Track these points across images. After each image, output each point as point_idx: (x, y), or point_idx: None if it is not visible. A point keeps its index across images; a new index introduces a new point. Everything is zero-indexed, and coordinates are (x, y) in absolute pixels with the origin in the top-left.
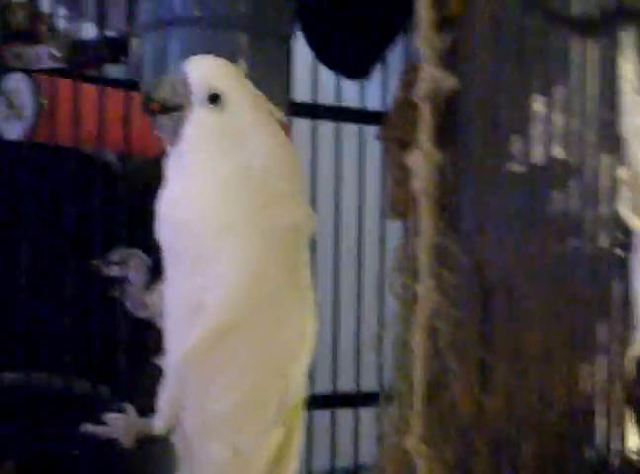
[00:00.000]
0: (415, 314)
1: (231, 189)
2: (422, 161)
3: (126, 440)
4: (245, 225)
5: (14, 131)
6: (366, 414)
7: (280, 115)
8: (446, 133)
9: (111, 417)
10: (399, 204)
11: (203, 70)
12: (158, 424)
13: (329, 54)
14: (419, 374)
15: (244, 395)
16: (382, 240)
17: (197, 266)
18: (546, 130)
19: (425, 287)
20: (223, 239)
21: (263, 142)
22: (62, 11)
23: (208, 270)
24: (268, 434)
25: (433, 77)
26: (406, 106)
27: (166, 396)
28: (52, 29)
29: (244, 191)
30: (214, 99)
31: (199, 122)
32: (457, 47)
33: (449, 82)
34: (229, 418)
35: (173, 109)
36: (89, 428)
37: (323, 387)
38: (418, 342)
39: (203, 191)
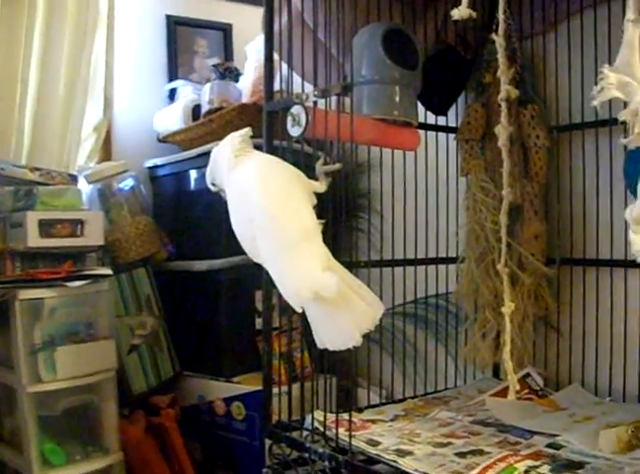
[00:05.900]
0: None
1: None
2: (503, 131)
3: None
4: None
5: (296, 133)
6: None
7: None
8: None
9: None
10: (464, 170)
11: None
12: None
13: (426, 101)
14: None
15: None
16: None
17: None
18: None
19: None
20: None
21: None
22: None
23: None
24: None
25: (506, 89)
26: (467, 123)
27: None
28: None
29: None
30: None
31: None
32: None
33: (515, 92)
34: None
35: None
36: None
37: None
38: (502, 216)
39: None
